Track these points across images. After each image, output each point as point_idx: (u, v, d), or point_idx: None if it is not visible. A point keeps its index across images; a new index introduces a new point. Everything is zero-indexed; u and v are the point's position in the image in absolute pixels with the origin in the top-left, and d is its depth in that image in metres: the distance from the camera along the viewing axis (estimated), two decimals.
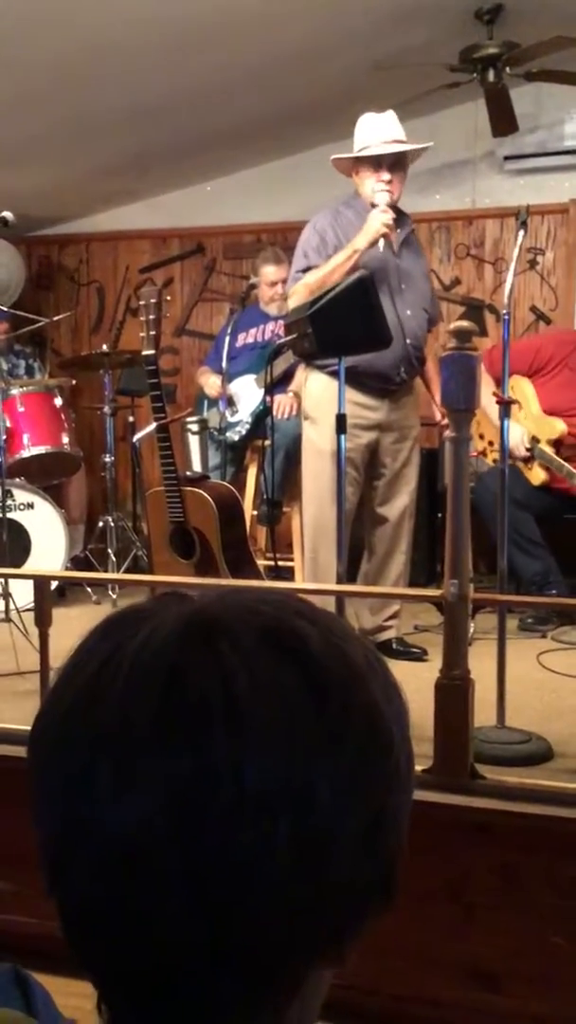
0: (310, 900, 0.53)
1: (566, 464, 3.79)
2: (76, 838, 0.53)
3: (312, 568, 3.30)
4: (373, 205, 3.20)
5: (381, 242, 3.13)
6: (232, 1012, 0.54)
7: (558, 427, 3.86)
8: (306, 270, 3.23)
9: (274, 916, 0.52)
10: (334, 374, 2.94)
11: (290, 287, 3.31)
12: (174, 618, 0.56)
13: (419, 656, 3.27)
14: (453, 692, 2.15)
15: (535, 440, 3.87)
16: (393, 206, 3.20)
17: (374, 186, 3.20)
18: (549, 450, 3.85)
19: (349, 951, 0.57)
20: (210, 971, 0.52)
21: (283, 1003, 0.56)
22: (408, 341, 3.21)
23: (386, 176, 3.20)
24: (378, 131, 3.22)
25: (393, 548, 3.39)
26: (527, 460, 3.88)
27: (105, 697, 0.53)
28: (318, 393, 3.23)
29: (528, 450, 3.86)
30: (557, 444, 3.87)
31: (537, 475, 3.88)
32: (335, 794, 0.53)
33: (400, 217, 3.25)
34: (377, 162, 3.21)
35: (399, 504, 3.37)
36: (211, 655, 0.53)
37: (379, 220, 3.12)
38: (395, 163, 3.23)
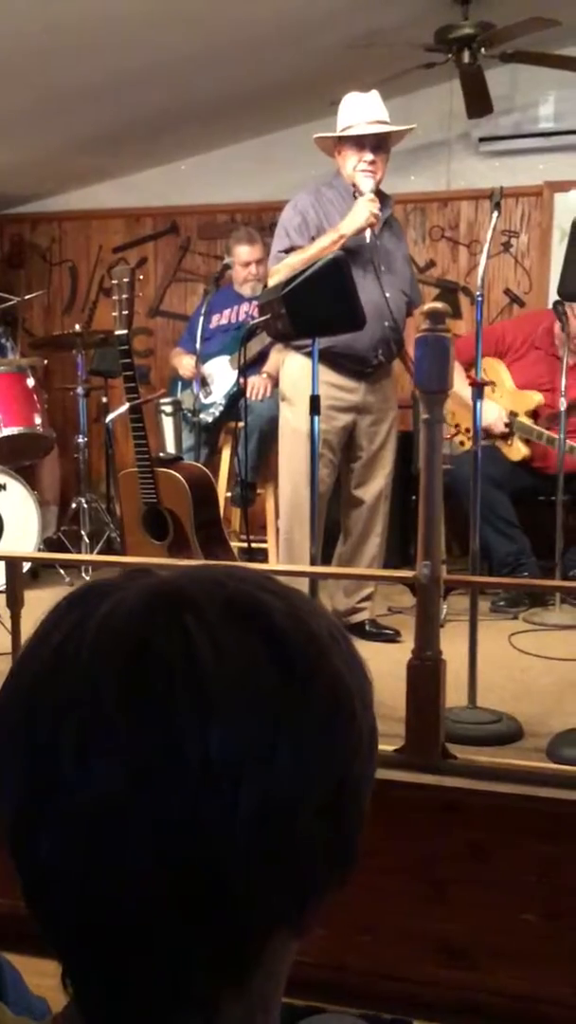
0: (273, 866, 0.54)
1: (546, 431, 3.83)
2: (42, 806, 0.53)
3: (287, 548, 3.31)
4: (354, 186, 3.19)
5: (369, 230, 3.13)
6: (195, 980, 0.55)
7: (536, 398, 3.93)
8: (289, 250, 3.21)
9: (237, 881, 0.53)
10: (310, 355, 2.92)
11: (272, 266, 3.30)
12: (139, 590, 0.56)
13: (392, 637, 3.29)
14: (424, 672, 2.16)
15: (513, 415, 3.91)
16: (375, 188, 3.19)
17: (357, 167, 3.19)
18: (528, 421, 3.90)
19: (310, 921, 0.58)
20: (174, 938, 0.53)
21: (246, 973, 0.57)
22: (387, 323, 3.21)
23: (369, 157, 3.19)
24: (362, 111, 3.20)
25: (368, 530, 3.40)
26: (506, 436, 3.92)
27: (70, 666, 0.54)
28: (295, 374, 3.22)
29: (507, 425, 3.89)
30: (535, 416, 3.94)
31: (517, 451, 3.93)
32: (298, 762, 0.54)
33: (382, 199, 3.24)
34: (360, 143, 3.19)
35: (375, 487, 3.38)
36: (176, 625, 0.54)
37: (368, 210, 3.11)
38: (378, 144, 3.21)
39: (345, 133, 3.21)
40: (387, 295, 3.22)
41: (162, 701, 0.52)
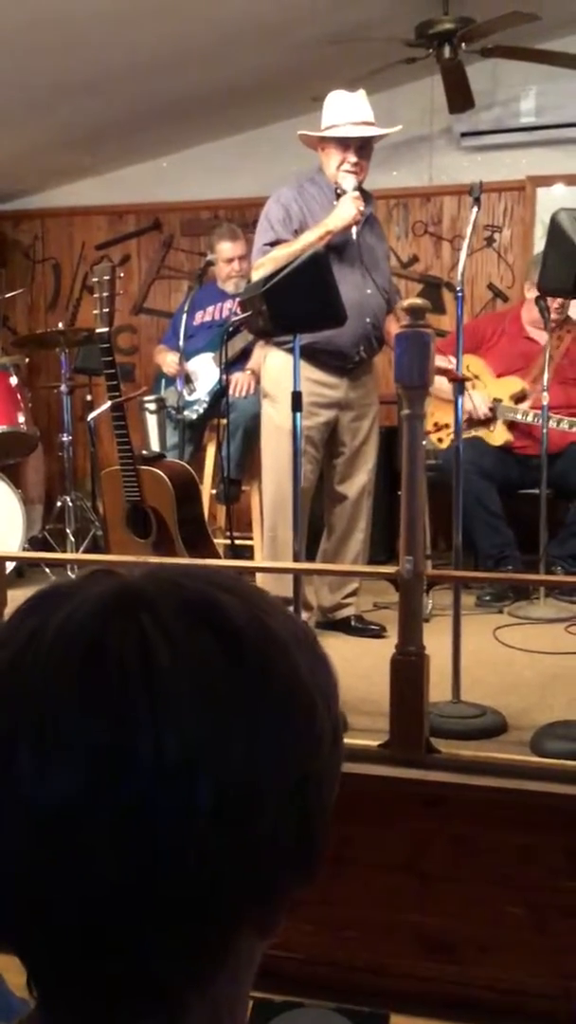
0: (233, 865, 0.54)
1: (532, 410, 3.90)
2: (1, 810, 0.53)
3: (271, 545, 3.31)
4: (337, 185, 3.20)
5: (354, 228, 3.14)
6: (158, 981, 0.55)
7: (519, 383, 4.02)
8: (274, 244, 3.20)
9: (199, 880, 0.53)
10: (292, 351, 2.92)
11: (256, 260, 3.29)
12: (98, 592, 0.57)
13: (377, 633, 3.30)
14: (408, 668, 2.17)
15: (497, 401, 4.00)
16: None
17: (341, 167, 3.19)
18: (511, 403, 4.00)
19: (276, 921, 0.58)
20: (136, 939, 0.53)
21: (210, 973, 0.56)
22: (368, 320, 3.23)
23: (353, 159, 3.19)
24: (348, 111, 3.19)
25: (352, 526, 3.40)
26: (489, 422, 3.96)
27: (28, 670, 0.54)
28: (277, 371, 3.22)
29: (491, 409, 3.97)
30: (518, 401, 4.03)
31: (500, 435, 3.99)
32: (253, 760, 0.54)
33: (364, 197, 3.25)
34: (345, 143, 3.19)
35: (358, 482, 3.39)
36: (131, 626, 0.54)
37: (353, 208, 3.12)
38: (362, 145, 3.22)
39: (330, 133, 3.20)
40: (368, 292, 3.23)
41: (116, 701, 0.52)
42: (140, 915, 0.53)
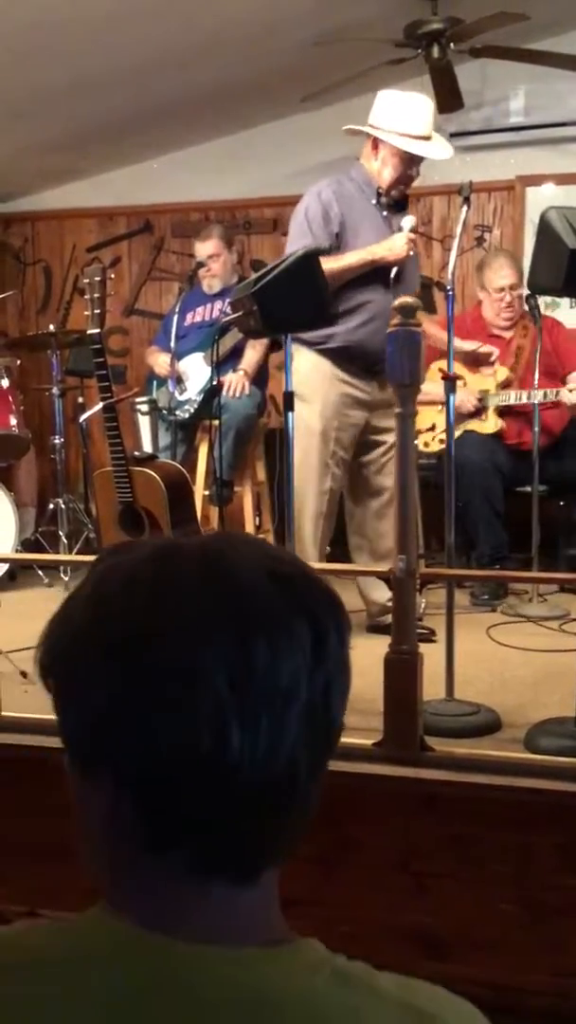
0: (314, 783, 0.72)
1: (516, 391, 3.96)
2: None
3: (299, 543, 3.28)
4: (379, 190, 3.22)
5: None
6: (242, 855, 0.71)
7: (502, 373, 4.06)
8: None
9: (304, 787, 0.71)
10: (322, 352, 2.95)
11: None
12: (196, 552, 0.72)
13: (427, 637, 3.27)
14: (402, 666, 2.17)
15: (484, 391, 4.04)
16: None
17: (394, 176, 3.20)
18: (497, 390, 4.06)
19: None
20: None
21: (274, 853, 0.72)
22: None
23: (413, 173, 3.22)
24: (420, 123, 3.17)
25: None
26: (479, 412, 4.00)
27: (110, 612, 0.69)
28: (307, 371, 3.17)
29: (479, 400, 4.00)
30: (505, 388, 4.08)
31: (491, 424, 4.02)
32: (328, 704, 0.74)
33: (403, 205, 3.30)
34: (412, 159, 3.18)
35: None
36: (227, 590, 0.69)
37: (405, 248, 3.13)
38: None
39: (405, 146, 3.15)
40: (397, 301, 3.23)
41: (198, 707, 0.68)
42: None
